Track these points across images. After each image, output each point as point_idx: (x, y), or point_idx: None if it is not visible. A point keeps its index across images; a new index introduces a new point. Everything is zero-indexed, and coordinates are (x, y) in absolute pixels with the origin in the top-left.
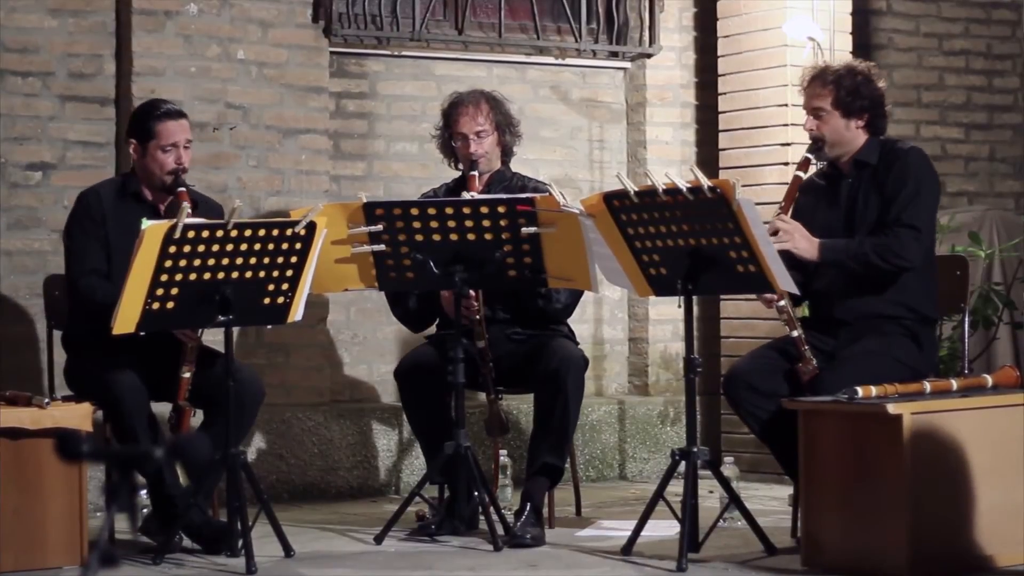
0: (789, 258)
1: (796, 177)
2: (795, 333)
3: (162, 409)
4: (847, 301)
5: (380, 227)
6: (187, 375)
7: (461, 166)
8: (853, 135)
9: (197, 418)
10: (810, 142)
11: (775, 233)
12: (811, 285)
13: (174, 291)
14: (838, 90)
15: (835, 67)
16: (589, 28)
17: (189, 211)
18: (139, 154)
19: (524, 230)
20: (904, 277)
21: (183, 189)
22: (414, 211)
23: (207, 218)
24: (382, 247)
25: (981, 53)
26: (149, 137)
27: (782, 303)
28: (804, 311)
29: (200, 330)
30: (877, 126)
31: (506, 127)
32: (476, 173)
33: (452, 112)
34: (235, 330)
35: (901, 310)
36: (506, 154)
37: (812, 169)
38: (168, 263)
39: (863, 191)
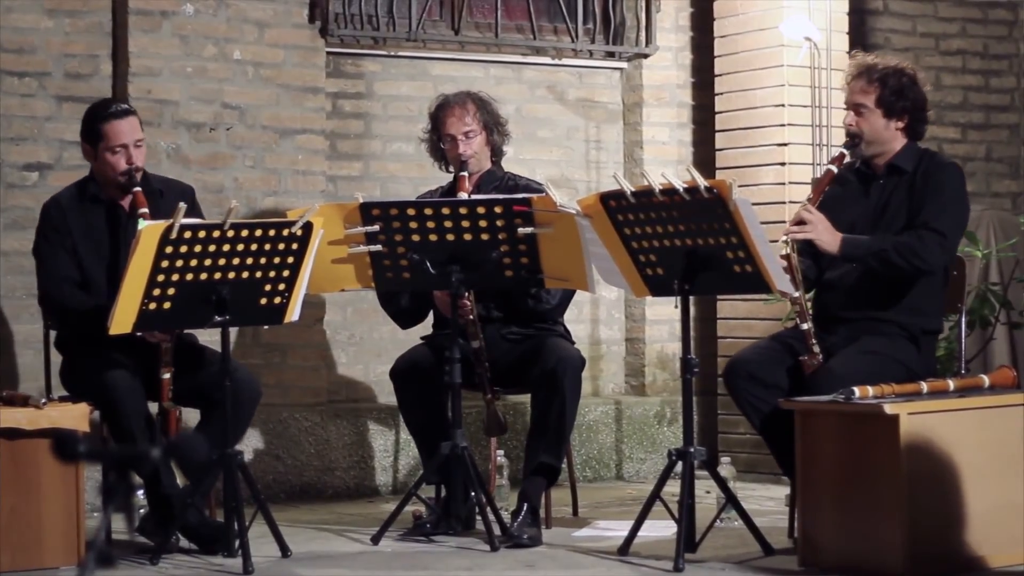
0: (810, 246)
1: (828, 171)
2: (805, 326)
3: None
4: (853, 299)
5: (377, 227)
6: (167, 376)
7: (452, 168)
8: (891, 136)
9: (191, 419)
10: (847, 137)
11: (800, 223)
12: (823, 275)
13: (171, 291)
14: (883, 88)
15: (882, 65)
16: (585, 28)
17: (185, 210)
18: (91, 157)
19: (521, 230)
20: (917, 286)
21: (138, 190)
22: (411, 211)
23: (182, 200)
24: (379, 247)
25: (978, 53)
26: (98, 139)
27: (796, 295)
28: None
29: (172, 331)
30: (916, 130)
31: (494, 127)
32: (466, 174)
33: (439, 114)
34: (232, 330)
35: (905, 315)
36: (495, 154)
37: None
38: (165, 263)
39: (895, 196)
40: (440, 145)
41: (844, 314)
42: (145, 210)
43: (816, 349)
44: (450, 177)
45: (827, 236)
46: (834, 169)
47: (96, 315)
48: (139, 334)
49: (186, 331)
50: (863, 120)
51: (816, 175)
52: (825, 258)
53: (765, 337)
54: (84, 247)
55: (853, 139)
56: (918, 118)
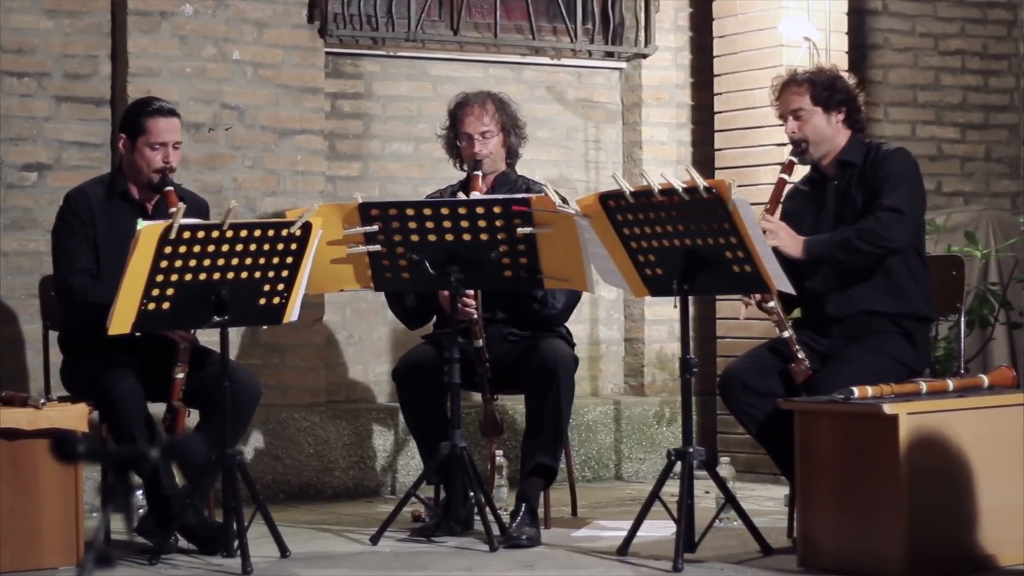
0: (782, 262)
1: (781, 180)
2: (786, 334)
3: (158, 409)
4: (840, 298)
5: (376, 227)
6: (181, 376)
7: (466, 166)
8: (835, 131)
9: (193, 419)
10: (793, 145)
11: (761, 233)
12: (804, 285)
13: (170, 291)
14: (814, 87)
15: (802, 69)
16: (585, 28)
17: (184, 211)
18: (128, 149)
19: (520, 230)
20: (897, 275)
21: (170, 189)
22: (410, 211)
23: (192, 215)
24: (378, 247)
25: (977, 53)
26: (139, 132)
27: (771, 304)
28: (797, 312)
29: (193, 330)
30: (856, 119)
31: (511, 128)
32: (480, 173)
33: (458, 112)
34: (232, 330)
35: (895, 307)
36: (511, 156)
37: (796, 173)
38: (164, 263)
39: (851, 191)
40: (456, 143)
41: (834, 314)
42: (175, 209)
43: (801, 355)
44: (461, 175)
45: (790, 241)
46: (786, 178)
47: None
48: (164, 333)
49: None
50: (804, 124)
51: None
52: (803, 270)
53: (757, 346)
54: (105, 242)
55: (799, 145)
56: (854, 107)
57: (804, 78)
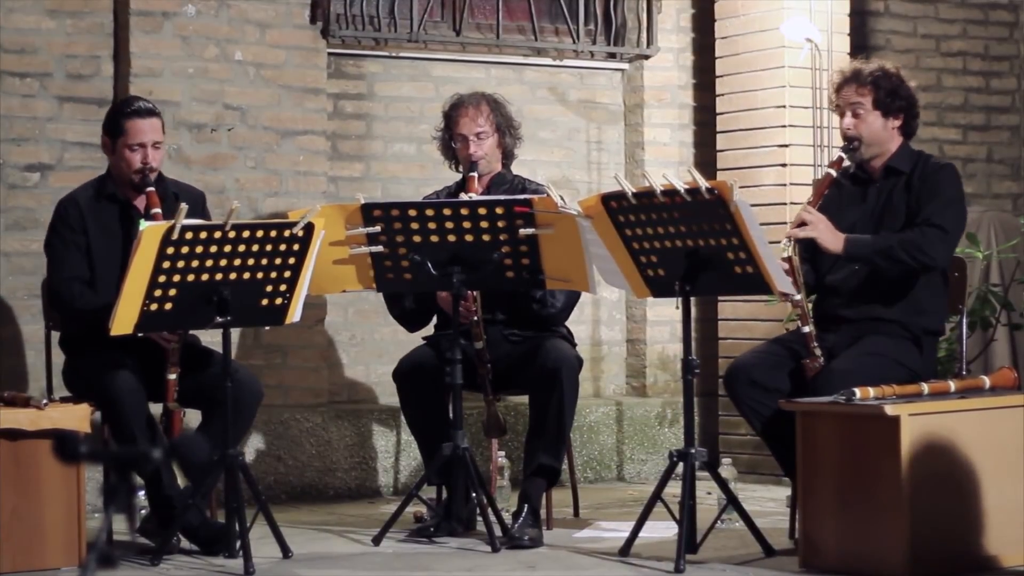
0: (809, 251)
1: (827, 174)
2: (807, 329)
3: (158, 410)
4: (857, 301)
5: (378, 228)
6: (172, 377)
7: (461, 168)
8: (889, 135)
9: (190, 419)
10: (845, 141)
11: (801, 224)
12: (824, 279)
13: (172, 292)
14: (877, 91)
15: (870, 68)
16: (587, 29)
17: (188, 212)
18: (109, 150)
19: (522, 231)
20: (918, 290)
21: (151, 190)
22: (412, 212)
23: (189, 206)
24: (380, 248)
25: (979, 54)
26: (119, 133)
27: (798, 298)
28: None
29: (185, 331)
30: (911, 126)
31: (507, 129)
32: (475, 174)
33: (453, 113)
34: (233, 331)
35: (908, 315)
36: (507, 156)
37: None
38: (166, 264)
39: (894, 197)
40: (451, 144)
41: (846, 314)
42: (158, 210)
43: (818, 352)
44: (458, 177)
45: (829, 236)
46: (833, 173)
47: (105, 314)
48: (148, 335)
49: (189, 332)
50: (861, 122)
51: (817, 176)
52: (824, 262)
53: (765, 341)
54: (99, 246)
55: (851, 142)
56: (912, 114)
57: (869, 79)
